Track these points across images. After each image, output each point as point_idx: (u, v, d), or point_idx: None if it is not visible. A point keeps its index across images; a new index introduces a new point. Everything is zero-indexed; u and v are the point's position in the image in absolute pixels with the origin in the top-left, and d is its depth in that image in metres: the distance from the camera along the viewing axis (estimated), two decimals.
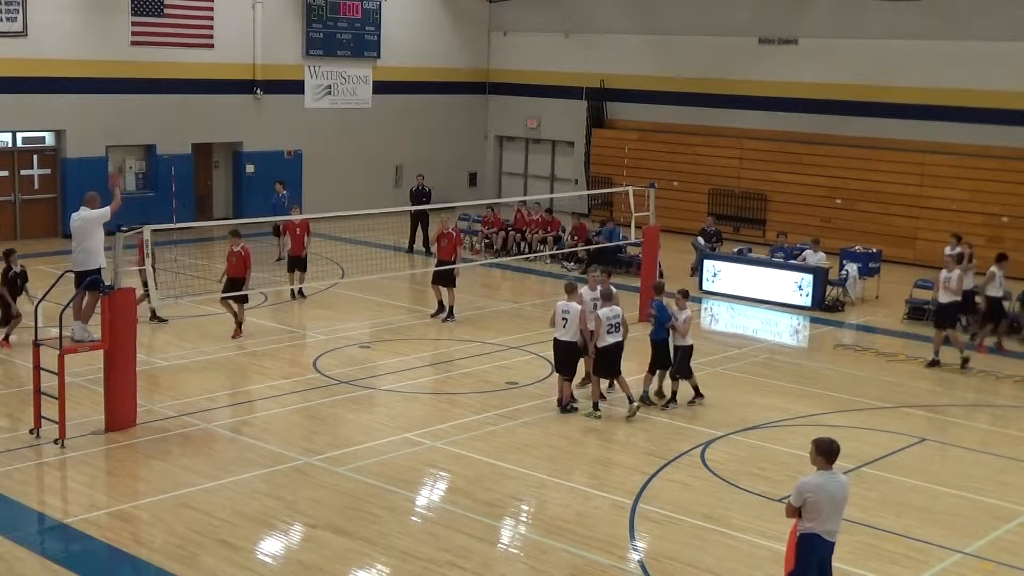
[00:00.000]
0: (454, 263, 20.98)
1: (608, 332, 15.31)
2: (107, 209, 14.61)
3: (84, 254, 14.60)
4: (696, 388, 16.29)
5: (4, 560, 10.71)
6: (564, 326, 15.48)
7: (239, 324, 19.27)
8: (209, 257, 25.73)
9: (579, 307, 15.59)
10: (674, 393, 16.19)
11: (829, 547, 9.03)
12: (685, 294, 16.53)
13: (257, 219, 24.22)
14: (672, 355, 16.15)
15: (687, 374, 16.23)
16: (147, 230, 14.66)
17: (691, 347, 16.23)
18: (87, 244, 14.57)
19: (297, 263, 22.32)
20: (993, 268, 20.22)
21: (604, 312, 15.41)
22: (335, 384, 16.84)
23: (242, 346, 18.79)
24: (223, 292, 19.12)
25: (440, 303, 21.12)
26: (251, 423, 14.95)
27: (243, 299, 19.36)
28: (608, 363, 15.51)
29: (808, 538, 8.95)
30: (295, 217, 22.51)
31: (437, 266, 21.07)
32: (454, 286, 20.93)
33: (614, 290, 16.00)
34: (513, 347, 19.04)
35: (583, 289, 16.52)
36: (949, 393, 17.91)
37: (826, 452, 8.98)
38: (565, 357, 15.60)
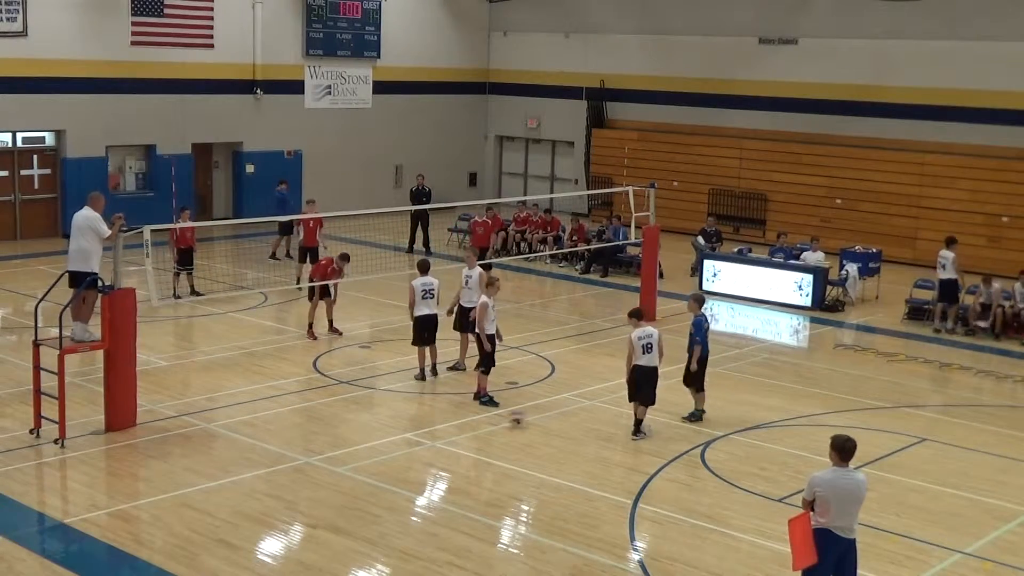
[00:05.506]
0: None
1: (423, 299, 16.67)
2: (103, 226, 14.52)
3: (78, 254, 14.57)
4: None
5: (4, 560, 10.71)
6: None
7: (330, 321, 19.50)
8: (209, 257, 25.71)
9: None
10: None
11: (845, 543, 9.04)
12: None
13: (262, 218, 24.19)
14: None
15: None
16: (147, 230, 14.66)
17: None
18: (82, 245, 14.53)
19: (309, 253, 22.70)
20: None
21: (418, 283, 16.72)
22: (335, 384, 16.84)
23: (242, 346, 18.80)
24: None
25: None
26: (251, 423, 14.94)
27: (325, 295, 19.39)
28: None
29: (821, 533, 9.00)
30: (309, 216, 22.83)
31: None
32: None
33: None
34: (513, 347, 19.02)
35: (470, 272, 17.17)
36: (949, 393, 17.92)
37: (839, 448, 9.06)
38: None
